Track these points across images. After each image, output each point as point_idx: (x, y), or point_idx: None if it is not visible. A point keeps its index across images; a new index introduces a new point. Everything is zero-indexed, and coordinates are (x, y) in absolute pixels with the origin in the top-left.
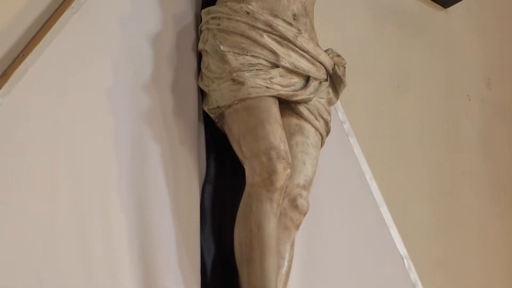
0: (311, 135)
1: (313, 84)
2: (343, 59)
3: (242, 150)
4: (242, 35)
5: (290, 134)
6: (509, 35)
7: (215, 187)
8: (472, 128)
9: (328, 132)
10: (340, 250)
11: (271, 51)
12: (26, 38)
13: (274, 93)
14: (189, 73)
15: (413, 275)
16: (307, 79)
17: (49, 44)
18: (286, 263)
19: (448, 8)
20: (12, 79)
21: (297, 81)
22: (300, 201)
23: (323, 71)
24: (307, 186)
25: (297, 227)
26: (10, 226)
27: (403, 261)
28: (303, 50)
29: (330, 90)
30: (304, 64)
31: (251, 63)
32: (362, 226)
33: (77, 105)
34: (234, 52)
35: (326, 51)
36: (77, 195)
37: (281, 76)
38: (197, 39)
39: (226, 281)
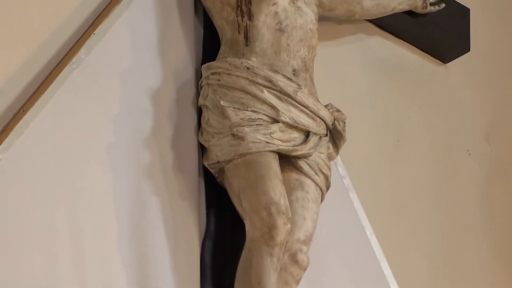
0: (311, 190)
1: (313, 139)
2: (343, 114)
3: (242, 205)
4: (242, 90)
5: (290, 189)
6: (508, 90)
7: (215, 242)
8: (472, 184)
9: (328, 187)
10: None
11: (271, 106)
12: (27, 94)
13: (274, 148)
14: (189, 128)
15: None
16: (307, 134)
17: (49, 99)
18: None
19: (448, 64)
20: (12, 134)
21: (297, 136)
22: (300, 256)
23: (323, 126)
24: (307, 241)
25: (297, 282)
26: (9, 280)
27: None
28: (303, 105)
29: (330, 145)
30: (304, 119)
31: (251, 118)
32: (363, 282)
33: (77, 160)
34: (234, 107)
35: (326, 106)
36: (77, 251)
37: (281, 131)
38: (197, 94)
39: None
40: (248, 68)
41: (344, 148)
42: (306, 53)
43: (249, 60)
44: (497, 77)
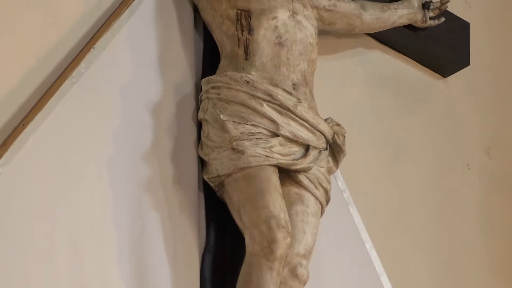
0: (311, 204)
1: (312, 153)
2: (343, 128)
3: (242, 219)
4: (242, 104)
5: (290, 203)
6: (508, 104)
7: (215, 256)
8: (472, 197)
9: (328, 201)
10: None
11: (271, 120)
12: (27, 107)
13: (274, 162)
14: (189, 142)
15: None
16: (307, 148)
17: (49, 113)
18: None
19: (448, 78)
20: (12, 148)
21: (297, 150)
22: (300, 270)
23: (323, 140)
24: (307, 255)
25: None
26: None
27: None
28: (302, 119)
29: (330, 159)
30: (303, 133)
31: (251, 132)
32: None
33: (77, 174)
34: (234, 121)
35: (325, 120)
36: (77, 265)
37: (281, 145)
38: (197, 108)
39: None
40: (248, 82)
41: (344, 162)
42: (306, 67)
43: (249, 74)
44: (497, 91)
